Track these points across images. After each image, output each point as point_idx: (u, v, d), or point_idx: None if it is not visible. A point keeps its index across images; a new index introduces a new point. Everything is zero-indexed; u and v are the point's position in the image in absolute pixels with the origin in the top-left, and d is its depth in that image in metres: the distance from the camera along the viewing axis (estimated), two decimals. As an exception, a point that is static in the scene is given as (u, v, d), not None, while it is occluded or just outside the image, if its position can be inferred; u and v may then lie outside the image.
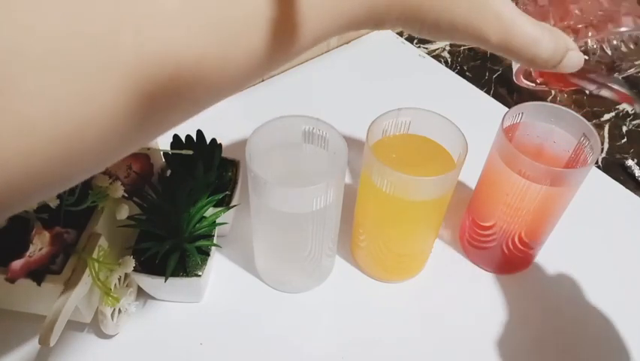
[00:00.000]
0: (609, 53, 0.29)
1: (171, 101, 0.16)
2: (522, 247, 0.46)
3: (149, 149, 0.43)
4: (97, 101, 0.14)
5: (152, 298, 0.45)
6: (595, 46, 0.29)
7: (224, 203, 0.45)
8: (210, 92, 0.17)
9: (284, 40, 0.18)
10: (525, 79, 0.31)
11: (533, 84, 0.31)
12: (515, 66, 0.30)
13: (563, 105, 0.43)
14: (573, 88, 0.37)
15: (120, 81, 0.14)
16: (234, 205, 0.46)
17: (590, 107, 0.67)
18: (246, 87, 0.19)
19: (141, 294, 0.44)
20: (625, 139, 0.63)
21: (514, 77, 0.31)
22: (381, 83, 0.67)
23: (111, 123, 0.15)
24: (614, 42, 0.29)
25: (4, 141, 0.13)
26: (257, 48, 0.17)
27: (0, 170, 0.13)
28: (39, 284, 0.36)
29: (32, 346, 0.41)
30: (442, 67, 0.71)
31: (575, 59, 0.25)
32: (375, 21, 0.21)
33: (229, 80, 0.17)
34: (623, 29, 0.28)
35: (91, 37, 0.14)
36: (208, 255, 0.42)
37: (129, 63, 0.14)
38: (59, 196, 0.37)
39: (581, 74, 0.34)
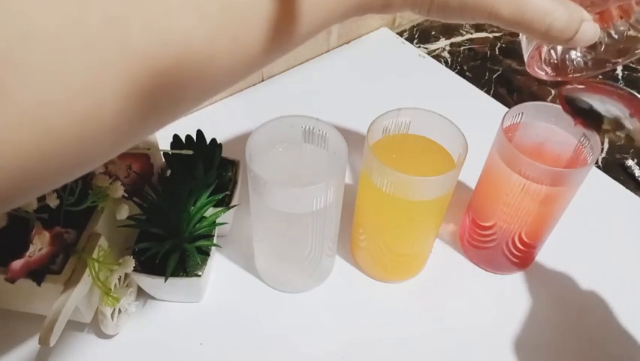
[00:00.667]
0: (616, 37, 0.29)
1: (185, 83, 0.16)
2: (522, 247, 0.46)
3: (149, 149, 0.43)
4: (109, 85, 0.14)
5: (152, 298, 0.45)
6: (601, 35, 0.29)
7: (224, 203, 0.45)
8: (222, 74, 0.17)
9: (291, 21, 0.18)
10: (538, 68, 0.31)
11: (544, 72, 0.31)
12: (526, 53, 0.30)
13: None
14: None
15: (131, 64, 0.14)
16: (234, 205, 0.46)
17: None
18: (255, 71, 0.20)
19: (141, 294, 0.44)
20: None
21: (526, 67, 0.30)
22: (381, 83, 0.67)
23: (125, 104, 0.15)
24: (621, 28, 0.28)
25: (15, 127, 0.13)
26: (266, 29, 0.17)
27: (13, 155, 0.13)
28: (39, 284, 0.36)
29: (32, 346, 0.41)
30: (442, 67, 0.71)
31: (590, 32, 0.24)
32: (382, 3, 0.21)
33: (240, 62, 0.18)
34: None
35: (100, 23, 0.14)
36: (208, 255, 0.42)
37: (140, 47, 0.14)
38: (59, 196, 0.37)
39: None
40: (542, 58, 0.30)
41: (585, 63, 0.31)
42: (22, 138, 0.13)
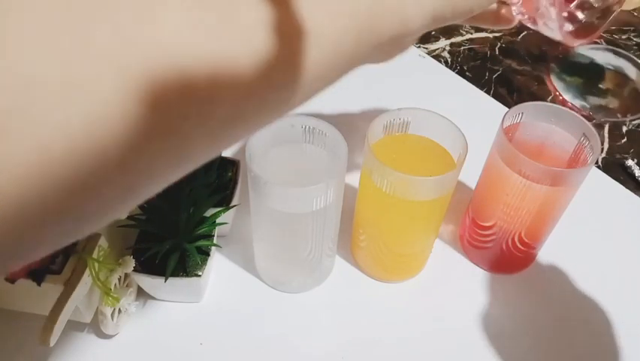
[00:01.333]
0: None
1: (187, 112, 0.15)
2: (522, 247, 0.46)
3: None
4: (110, 129, 0.14)
5: (152, 298, 0.45)
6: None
7: (225, 203, 0.45)
8: (225, 100, 0.16)
9: (292, 43, 0.17)
10: (574, 38, 0.31)
11: (583, 39, 0.31)
12: (557, 32, 0.30)
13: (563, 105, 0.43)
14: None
15: (130, 90, 0.14)
16: (234, 205, 0.46)
17: (590, 107, 0.67)
18: (267, 108, 0.18)
19: (141, 294, 0.44)
20: (625, 139, 0.63)
21: (566, 42, 0.30)
22: (381, 83, 0.67)
23: (125, 137, 0.14)
24: None
25: (13, 175, 0.13)
26: (265, 51, 0.17)
27: (11, 205, 0.13)
28: (39, 284, 0.36)
29: (32, 346, 0.41)
30: (442, 67, 0.71)
31: None
32: (398, 31, 0.21)
33: (243, 86, 0.17)
34: None
35: (95, 49, 0.13)
36: (208, 255, 0.42)
37: (137, 71, 0.14)
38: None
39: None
40: (565, 29, 0.30)
41: (595, 15, 0.31)
42: (21, 187, 0.13)
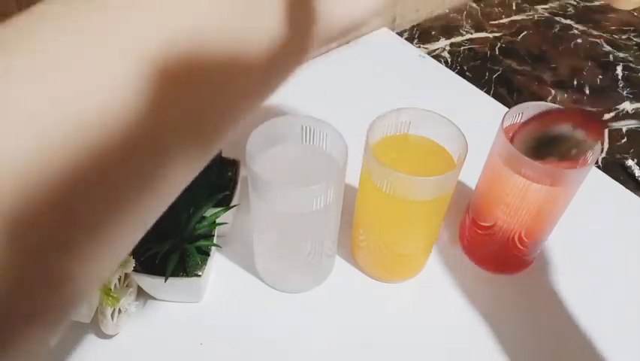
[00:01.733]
0: None
1: (199, 85, 0.15)
2: (522, 247, 0.46)
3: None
4: (114, 89, 0.14)
5: (152, 298, 0.45)
6: None
7: (225, 203, 0.45)
8: (236, 75, 0.16)
9: (307, 15, 0.18)
10: None
11: None
12: None
13: (563, 105, 0.43)
14: None
15: (144, 71, 0.14)
16: (234, 205, 0.46)
17: (591, 107, 0.67)
18: (274, 77, 0.18)
19: (141, 294, 0.44)
20: (625, 139, 0.63)
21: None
22: (381, 83, 0.67)
23: (133, 112, 0.14)
24: None
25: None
26: (280, 21, 0.17)
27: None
28: (39, 284, 0.35)
29: (32, 346, 0.41)
30: (442, 67, 0.71)
31: None
32: None
33: (253, 61, 0.17)
34: None
35: (109, 33, 0.13)
36: (208, 255, 0.42)
37: (151, 54, 0.14)
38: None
39: None
40: None
41: None
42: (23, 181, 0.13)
